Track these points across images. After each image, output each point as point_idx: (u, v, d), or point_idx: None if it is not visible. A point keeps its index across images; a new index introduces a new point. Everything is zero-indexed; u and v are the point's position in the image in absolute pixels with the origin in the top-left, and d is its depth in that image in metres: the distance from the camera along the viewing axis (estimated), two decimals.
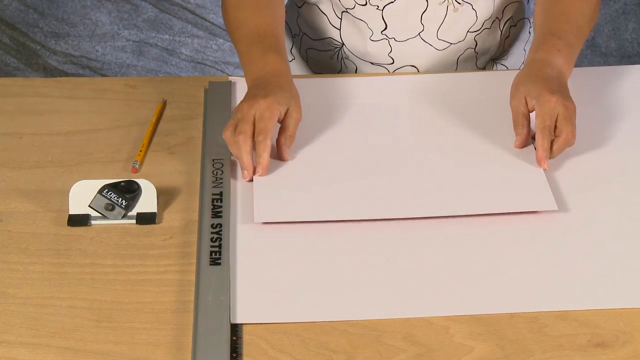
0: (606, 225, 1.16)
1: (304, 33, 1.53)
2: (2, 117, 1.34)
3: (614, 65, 2.87)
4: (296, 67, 1.57)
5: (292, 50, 1.57)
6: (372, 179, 1.22)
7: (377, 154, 1.27)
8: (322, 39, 1.50)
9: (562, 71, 1.30)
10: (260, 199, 1.18)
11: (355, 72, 1.51)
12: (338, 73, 1.53)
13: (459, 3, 1.42)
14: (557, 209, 1.17)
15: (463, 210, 1.16)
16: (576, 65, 1.35)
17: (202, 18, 2.94)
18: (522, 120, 1.26)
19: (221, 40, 2.92)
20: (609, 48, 2.94)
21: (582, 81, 1.39)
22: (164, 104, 1.36)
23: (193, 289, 1.08)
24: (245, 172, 1.20)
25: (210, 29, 2.93)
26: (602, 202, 1.19)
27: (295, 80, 1.30)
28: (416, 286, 1.08)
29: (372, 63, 1.49)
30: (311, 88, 1.36)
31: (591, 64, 2.88)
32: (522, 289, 1.07)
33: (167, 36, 2.92)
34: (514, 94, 1.27)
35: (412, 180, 1.22)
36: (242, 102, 1.24)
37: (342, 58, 1.51)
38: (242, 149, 1.19)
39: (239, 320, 1.04)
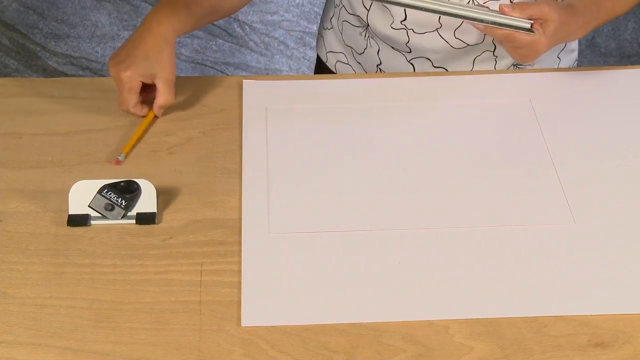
0: (608, 231, 1.16)
1: (343, 5, 1.55)
2: (2, 117, 1.34)
3: (613, 65, 2.87)
4: (332, 36, 1.61)
5: (332, 19, 1.60)
6: (384, 188, 1.22)
7: (389, 161, 1.26)
8: (354, 15, 1.52)
9: (578, 30, 1.35)
10: (275, 213, 1.18)
11: (378, 53, 1.52)
12: (363, 50, 1.54)
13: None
14: (574, 223, 1.17)
15: (482, 224, 1.16)
16: (575, 65, 1.35)
17: None
18: (525, 5, 1.31)
19: (221, 40, 2.92)
20: (608, 48, 2.94)
21: (583, 83, 1.40)
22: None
23: (192, 289, 1.08)
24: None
25: (209, 30, 2.93)
26: (604, 208, 1.19)
27: (285, 83, 1.30)
28: (419, 290, 1.08)
29: (392, 47, 1.50)
30: (323, 89, 1.36)
31: (591, 63, 2.89)
32: (525, 294, 1.07)
33: None
34: (543, 5, 1.32)
35: (430, 191, 1.21)
36: (123, 46, 1.35)
37: (368, 37, 1.52)
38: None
39: (244, 323, 1.04)
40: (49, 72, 2.88)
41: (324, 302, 1.07)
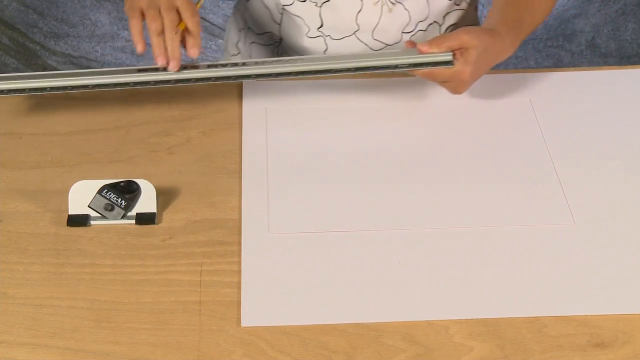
0: (608, 231, 1.16)
1: (249, 27, 1.53)
2: (1, 117, 1.34)
3: (613, 65, 2.87)
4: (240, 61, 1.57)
5: (238, 44, 1.57)
6: (384, 188, 1.22)
7: (389, 161, 1.26)
8: (264, 33, 1.51)
9: (505, 49, 1.32)
10: (275, 213, 1.18)
11: None
12: None
13: (392, 3, 1.41)
14: (574, 223, 1.17)
15: (482, 224, 1.16)
16: (575, 66, 1.35)
17: (202, 18, 2.93)
18: (442, 38, 1.28)
19: (220, 40, 2.92)
20: (608, 49, 2.94)
21: (583, 83, 1.40)
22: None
23: (192, 289, 1.08)
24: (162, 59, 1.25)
25: (209, 29, 2.93)
26: (604, 208, 1.19)
27: (285, 83, 1.30)
28: (419, 290, 1.08)
29: None
30: (323, 89, 1.36)
31: (591, 64, 2.88)
32: (525, 294, 1.07)
33: None
34: (465, 35, 1.28)
35: (430, 191, 1.21)
36: None
37: (281, 53, 1.51)
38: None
39: (244, 323, 1.04)
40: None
41: (323, 302, 1.07)
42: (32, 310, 1.06)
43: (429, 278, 1.09)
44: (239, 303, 1.07)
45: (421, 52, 1.28)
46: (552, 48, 2.89)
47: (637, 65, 1.47)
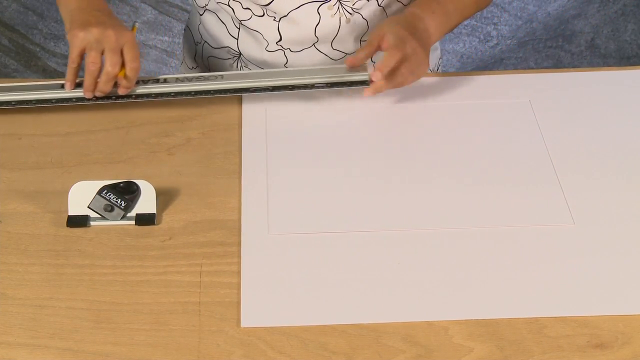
0: (607, 231, 1.16)
1: (205, 41, 1.52)
2: (1, 117, 1.34)
3: (613, 66, 2.87)
4: None
5: (196, 58, 1.57)
6: (384, 189, 1.22)
7: (389, 161, 1.27)
8: (221, 48, 1.50)
9: (429, 30, 1.34)
10: (275, 213, 1.18)
11: None
12: None
13: (350, 14, 1.41)
14: (574, 223, 1.17)
15: (481, 225, 1.16)
16: (575, 66, 1.35)
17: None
18: (368, 46, 1.31)
19: None
20: (608, 49, 2.94)
21: (583, 84, 1.40)
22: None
23: (192, 289, 1.08)
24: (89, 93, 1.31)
25: None
26: (604, 209, 1.19)
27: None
28: (419, 291, 1.08)
29: None
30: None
31: (590, 65, 2.89)
32: (524, 295, 1.07)
33: (166, 38, 2.92)
34: (376, 28, 1.32)
35: (430, 192, 1.21)
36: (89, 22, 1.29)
37: (241, 66, 1.50)
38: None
39: (244, 324, 1.04)
40: (48, 73, 2.88)
41: (323, 303, 1.07)
42: (32, 311, 1.06)
43: (428, 279, 1.09)
44: (238, 304, 1.07)
45: (348, 64, 1.32)
46: (552, 49, 2.89)
47: (637, 66, 1.46)
